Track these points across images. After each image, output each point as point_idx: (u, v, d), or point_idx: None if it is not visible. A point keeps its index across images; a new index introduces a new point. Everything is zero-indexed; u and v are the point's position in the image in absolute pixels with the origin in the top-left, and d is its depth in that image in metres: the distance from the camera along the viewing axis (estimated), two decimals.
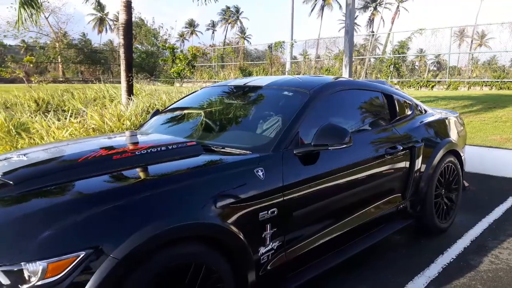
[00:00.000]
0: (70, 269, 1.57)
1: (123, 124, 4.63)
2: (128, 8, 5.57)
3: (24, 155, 2.22)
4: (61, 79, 24.36)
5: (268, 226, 2.22)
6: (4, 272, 1.54)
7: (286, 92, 2.88)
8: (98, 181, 1.96)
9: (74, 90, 7.19)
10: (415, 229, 3.67)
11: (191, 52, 25.36)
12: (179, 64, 24.73)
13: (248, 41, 68.26)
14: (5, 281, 1.54)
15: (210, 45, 35.91)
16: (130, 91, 5.60)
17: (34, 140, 4.36)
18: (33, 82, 12.09)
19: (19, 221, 1.67)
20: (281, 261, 2.35)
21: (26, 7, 7.46)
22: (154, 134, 2.88)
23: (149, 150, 2.30)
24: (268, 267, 2.27)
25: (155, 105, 5.38)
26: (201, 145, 2.48)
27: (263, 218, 2.18)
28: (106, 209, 1.73)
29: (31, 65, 14.82)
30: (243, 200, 2.10)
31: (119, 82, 8.83)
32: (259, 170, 2.22)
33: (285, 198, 2.28)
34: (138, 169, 2.11)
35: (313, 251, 2.56)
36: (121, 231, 1.68)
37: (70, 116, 4.93)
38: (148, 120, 3.53)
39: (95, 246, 1.61)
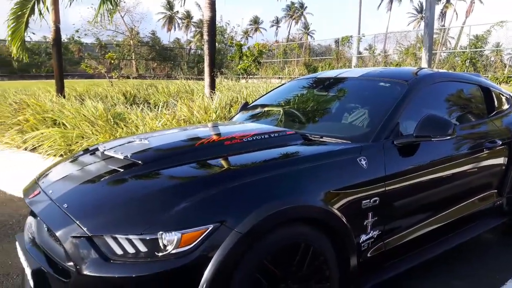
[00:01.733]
0: (200, 240, 1.73)
1: (210, 116, 4.87)
2: (212, 5, 5.83)
3: (145, 139, 2.45)
4: (135, 76, 25.71)
5: (370, 214, 2.26)
6: (143, 240, 1.73)
7: (382, 83, 2.89)
8: (218, 162, 2.13)
9: (158, 85, 7.66)
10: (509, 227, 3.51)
11: (257, 49, 25.68)
12: (245, 61, 25.13)
13: (311, 36, 67.69)
14: (143, 248, 1.73)
15: (275, 41, 36.10)
16: (212, 85, 5.85)
17: (130, 129, 4.72)
18: (113, 77, 12.89)
19: (154, 195, 1.86)
20: (380, 250, 2.39)
21: (105, 1, 8.05)
22: (252, 124, 3.02)
23: (254, 138, 2.44)
24: (368, 255, 2.32)
25: (237, 98, 5.59)
26: (299, 134, 2.58)
27: (365, 206, 2.23)
28: (230, 188, 1.88)
29: (112, 62, 15.83)
30: (348, 187, 2.17)
31: (189, 79, 9.17)
32: (362, 159, 2.27)
33: (386, 188, 2.32)
34: (250, 154, 2.25)
35: (410, 243, 2.57)
36: (243, 208, 1.82)
37: (162, 108, 5.26)
38: (239, 112, 3.70)
39: (221, 220, 1.76)
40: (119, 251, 1.72)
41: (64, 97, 6.76)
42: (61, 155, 4.67)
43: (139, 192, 1.93)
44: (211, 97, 5.54)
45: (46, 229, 2.12)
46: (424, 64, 8.40)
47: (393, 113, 2.55)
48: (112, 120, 4.92)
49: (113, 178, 2.04)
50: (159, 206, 1.80)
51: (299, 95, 3.43)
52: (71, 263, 1.76)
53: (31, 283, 1.95)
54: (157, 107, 5.54)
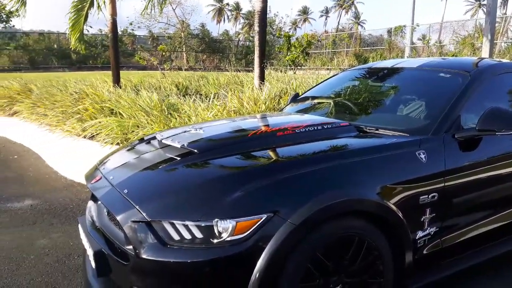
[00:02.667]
0: (253, 229, 1.75)
1: (259, 107, 4.89)
2: None
3: (200, 129, 2.50)
4: (186, 68, 26.28)
5: (428, 210, 2.18)
6: (199, 227, 1.77)
7: (442, 74, 2.76)
8: (271, 153, 2.14)
9: (209, 76, 7.80)
10: None
11: (306, 39, 25.38)
12: (293, 52, 24.92)
13: (362, 26, 65.89)
14: (199, 235, 1.77)
15: (324, 32, 35.52)
16: (262, 76, 5.86)
17: (183, 119, 4.84)
18: (165, 69, 13.24)
19: (210, 184, 1.90)
20: (436, 248, 2.30)
21: None
22: (304, 115, 2.99)
23: (307, 129, 2.42)
24: (424, 252, 2.24)
25: (287, 90, 5.57)
26: (353, 126, 2.53)
27: (423, 202, 2.15)
28: (284, 178, 1.88)
29: (164, 54, 16.25)
30: (406, 182, 2.10)
31: (239, 70, 9.21)
32: (421, 153, 2.19)
33: (446, 183, 2.22)
34: (303, 145, 2.24)
35: (468, 242, 2.45)
36: (298, 199, 1.81)
37: (213, 99, 5.35)
38: (289, 103, 3.68)
39: (275, 211, 1.77)
40: (176, 237, 1.77)
41: (120, 87, 7.05)
42: (118, 144, 4.88)
43: (196, 180, 1.97)
44: (261, 88, 5.56)
45: (106, 213, 2.22)
46: (484, 54, 7.93)
47: (454, 105, 2.43)
48: (166, 111, 5.07)
49: (171, 166, 2.10)
50: (215, 194, 1.84)
51: (352, 86, 3.36)
52: (131, 247, 1.84)
53: (93, 264, 2.06)
54: (208, 98, 5.63)
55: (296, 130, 2.39)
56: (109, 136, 5.05)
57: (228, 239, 1.74)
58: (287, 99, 5.21)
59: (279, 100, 5.09)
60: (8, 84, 9.38)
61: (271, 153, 2.15)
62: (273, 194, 1.83)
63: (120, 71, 7.90)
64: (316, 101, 3.44)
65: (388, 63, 3.36)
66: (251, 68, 8.49)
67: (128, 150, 2.62)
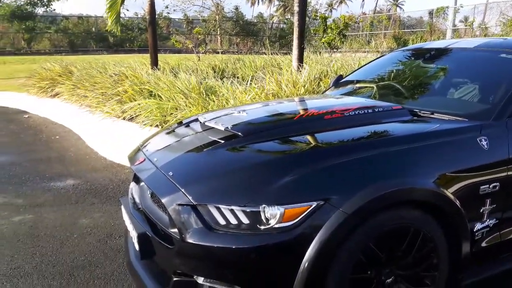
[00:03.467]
0: (303, 217, 1.66)
1: (298, 90, 4.77)
2: None
3: (243, 111, 2.42)
4: (220, 51, 26.23)
5: (488, 201, 2.03)
6: (245, 212, 1.70)
7: (504, 55, 2.55)
8: (320, 137, 2.03)
9: (245, 59, 7.70)
10: None
11: (343, 21, 24.72)
12: (330, 34, 24.36)
13: (400, 8, 63.56)
14: (245, 220, 1.70)
15: (362, 13, 34.50)
16: (301, 58, 5.71)
17: (221, 102, 4.79)
18: (201, 52, 13.22)
19: (257, 168, 1.82)
20: (495, 241, 2.15)
21: None
22: (351, 98, 2.86)
23: (357, 112, 2.29)
24: (482, 245, 2.10)
25: (327, 72, 5.41)
26: (407, 110, 2.37)
27: (483, 192, 2.00)
28: (335, 164, 1.77)
29: (199, 37, 16.24)
30: (465, 170, 1.96)
31: (276, 54, 9.03)
32: (483, 139, 2.03)
33: (509, 173, 2.05)
34: (353, 129, 2.12)
35: None
36: (350, 187, 1.71)
37: (251, 82, 5.26)
38: (332, 86, 3.53)
39: (325, 198, 1.67)
40: (221, 221, 1.72)
41: (158, 69, 7.07)
42: (157, 126, 4.90)
43: (242, 164, 1.90)
44: (299, 71, 5.41)
45: (149, 195, 2.20)
46: None
47: None
48: (204, 93, 5.03)
49: (215, 149, 2.04)
50: (263, 179, 1.76)
51: (401, 67, 3.17)
52: (175, 230, 1.79)
53: (137, 246, 2.04)
54: (245, 81, 5.54)
55: (345, 113, 2.27)
56: (148, 118, 5.07)
57: (276, 226, 1.66)
58: (327, 81, 5.05)
59: (319, 82, 4.93)
60: (50, 66, 9.63)
61: (319, 137, 2.04)
62: (324, 180, 1.74)
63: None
64: (362, 83, 3.28)
65: (441, 44, 3.15)
66: (285, 51, 8.30)
67: (170, 132, 2.58)
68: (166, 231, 1.88)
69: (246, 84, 5.31)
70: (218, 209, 1.72)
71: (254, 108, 2.58)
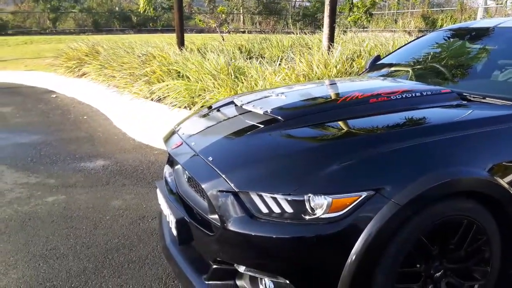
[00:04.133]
0: (351, 207, 1.58)
1: (330, 71, 4.62)
2: None
3: (282, 94, 2.32)
4: (242, 30, 25.94)
5: None
6: (289, 201, 1.62)
7: None
8: (366, 122, 1.93)
9: (272, 39, 7.53)
10: None
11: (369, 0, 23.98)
12: (356, 13, 23.71)
13: None
14: (289, 209, 1.62)
15: None
16: (332, 37, 5.52)
17: (250, 84, 4.69)
18: (224, 31, 13.03)
19: (302, 155, 1.74)
20: None
21: None
22: (394, 80, 2.72)
23: (404, 95, 2.16)
24: None
25: (360, 52, 5.22)
26: (456, 93, 2.23)
27: None
28: (385, 152, 1.67)
29: (223, 16, 15.99)
30: None
31: (304, 32, 8.78)
32: None
33: None
34: (401, 114, 2.00)
35: None
36: (402, 177, 1.61)
37: (280, 62, 5.13)
38: (368, 67, 3.38)
39: (376, 188, 1.58)
40: (264, 209, 1.65)
41: (185, 50, 6.99)
42: (185, 107, 4.85)
43: (286, 150, 1.82)
44: (330, 50, 5.24)
45: (186, 179, 2.15)
46: None
47: None
48: (232, 74, 4.93)
49: (255, 134, 1.96)
50: (308, 167, 1.67)
51: (445, 48, 3.00)
52: (216, 217, 1.74)
53: (174, 232, 2.01)
54: (273, 61, 5.42)
55: (392, 97, 2.14)
56: (177, 99, 5.02)
57: (322, 216, 1.58)
58: (360, 62, 4.87)
59: (351, 63, 4.76)
60: (76, 46, 9.66)
61: (366, 123, 1.93)
62: (374, 169, 1.64)
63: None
64: (403, 66, 3.12)
65: (492, 22, 2.95)
66: (310, 30, 8.04)
67: (205, 115, 2.51)
68: (205, 217, 1.84)
69: (275, 64, 5.18)
70: (261, 197, 1.66)
71: (293, 91, 2.48)
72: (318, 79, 4.57)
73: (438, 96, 2.20)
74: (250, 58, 6.17)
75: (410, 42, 3.53)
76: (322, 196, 1.58)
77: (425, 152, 1.71)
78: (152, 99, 5.50)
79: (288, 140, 1.90)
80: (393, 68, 3.10)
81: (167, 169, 2.49)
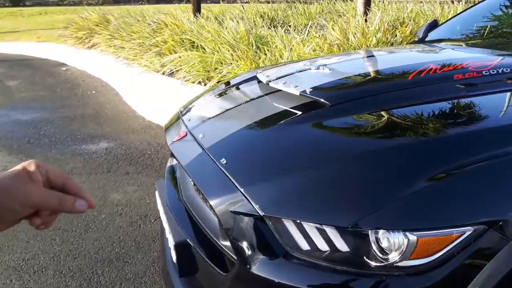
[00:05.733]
0: (448, 251, 0.99)
1: (369, 40, 3.92)
2: None
3: (325, 66, 1.68)
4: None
5: None
6: (345, 236, 1.03)
7: None
8: (459, 109, 1.29)
9: (299, 5, 6.78)
10: None
11: None
12: None
13: None
14: (344, 248, 1.04)
15: None
16: (368, 2, 4.77)
17: (274, 55, 4.04)
18: (244, 1, 12.23)
19: (366, 163, 1.12)
20: None
21: None
22: (477, 50, 2.04)
23: (499, 70, 1.51)
24: None
25: (403, 19, 4.48)
26: None
27: None
28: (501, 163, 1.04)
29: None
30: None
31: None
32: None
33: None
34: (507, 96, 1.36)
35: None
36: None
37: (309, 30, 4.45)
38: (424, 34, 2.69)
39: (489, 222, 0.98)
40: (305, 246, 1.07)
41: (201, 17, 6.33)
42: (200, 83, 4.26)
43: (338, 153, 1.19)
44: (367, 17, 4.52)
45: (192, 183, 1.56)
46: None
47: None
48: (254, 44, 4.29)
49: (290, 125, 1.34)
50: (377, 183, 1.06)
51: None
52: (230, 246, 1.17)
53: (174, 257, 1.44)
54: (300, 30, 4.73)
55: (484, 72, 1.49)
56: (190, 73, 4.42)
57: (401, 264, 0.99)
58: (405, 30, 4.14)
59: (394, 31, 4.05)
60: (87, 15, 9.08)
61: (459, 111, 1.29)
62: (485, 191, 1.02)
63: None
64: (472, 33, 2.43)
65: None
66: None
67: (220, 95, 1.91)
68: (216, 243, 1.27)
69: (303, 33, 4.49)
70: (300, 226, 1.07)
71: (338, 63, 1.83)
72: (355, 49, 3.88)
73: None
74: (274, 27, 5.47)
75: (474, 5, 2.81)
76: (401, 233, 0.98)
77: None
78: (163, 73, 4.91)
79: (341, 137, 1.27)
80: (460, 36, 2.41)
81: (171, 164, 1.92)
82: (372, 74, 1.57)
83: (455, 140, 1.14)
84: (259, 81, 1.79)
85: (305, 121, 1.35)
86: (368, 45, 3.90)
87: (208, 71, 4.36)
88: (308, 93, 1.45)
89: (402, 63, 1.69)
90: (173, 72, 4.81)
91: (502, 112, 1.27)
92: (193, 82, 4.33)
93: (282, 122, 1.37)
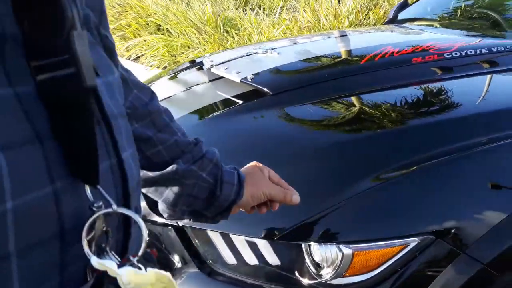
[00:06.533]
0: (390, 265, 0.86)
1: (341, 23, 3.76)
2: None
3: (272, 50, 1.50)
4: None
5: None
6: (276, 248, 0.89)
7: None
8: (413, 98, 1.13)
9: None
10: None
11: None
12: None
13: None
14: (275, 261, 0.90)
15: None
16: None
17: (242, 38, 3.85)
18: None
19: (303, 163, 0.96)
20: None
21: None
22: (441, 31, 1.88)
23: (463, 53, 1.36)
24: None
25: (377, 0, 4.31)
26: None
27: None
28: (451, 161, 0.90)
29: None
30: None
31: None
32: None
33: None
34: (470, 82, 1.22)
35: None
36: (485, 207, 0.86)
37: (280, 12, 4.26)
38: (393, 15, 2.53)
39: (437, 231, 0.84)
40: (230, 260, 0.92)
41: None
42: (165, 67, 4.04)
43: (273, 153, 1.03)
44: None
45: None
46: None
47: None
48: (221, 27, 4.08)
49: (231, 116, 1.17)
50: (312, 187, 0.91)
51: None
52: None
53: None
54: (274, 13, 4.53)
55: (445, 55, 1.34)
56: (155, 58, 4.19)
57: (335, 281, 0.85)
58: (378, 12, 3.98)
59: (367, 13, 3.89)
60: None
61: (411, 100, 1.14)
62: (435, 195, 0.88)
63: None
64: (443, 13, 2.28)
65: None
66: None
67: (170, 79, 1.72)
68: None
69: (274, 15, 4.29)
70: (227, 238, 0.92)
71: (290, 46, 1.65)
72: (334, 30, 3.71)
73: None
74: (246, 10, 5.25)
75: None
76: (334, 246, 0.84)
77: None
78: (128, 58, 4.67)
79: (278, 133, 1.09)
80: (432, 17, 2.26)
81: None
82: (322, 59, 1.40)
83: (400, 136, 0.99)
84: (205, 66, 1.61)
85: (245, 112, 1.19)
86: (340, 27, 3.74)
87: (174, 56, 4.14)
88: (250, 80, 1.28)
89: (358, 46, 1.53)
90: (139, 57, 4.58)
91: (457, 104, 1.12)
92: (158, 67, 4.12)
93: (221, 112, 1.21)
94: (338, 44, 1.62)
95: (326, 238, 0.85)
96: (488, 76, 1.27)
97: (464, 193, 0.89)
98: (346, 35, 1.78)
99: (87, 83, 0.28)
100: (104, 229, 0.32)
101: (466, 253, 0.84)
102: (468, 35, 1.66)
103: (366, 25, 3.81)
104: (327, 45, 1.64)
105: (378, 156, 0.93)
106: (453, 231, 0.84)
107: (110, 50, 0.41)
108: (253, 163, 0.72)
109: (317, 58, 1.39)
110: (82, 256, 0.30)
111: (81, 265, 0.31)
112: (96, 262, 0.30)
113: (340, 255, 0.84)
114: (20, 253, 0.26)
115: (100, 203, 0.31)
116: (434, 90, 1.17)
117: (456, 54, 1.35)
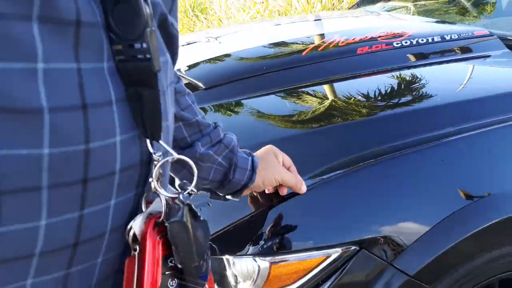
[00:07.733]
0: (312, 277, 0.78)
1: (313, 7, 3.65)
2: None
3: (217, 38, 1.40)
4: None
5: None
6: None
7: None
8: (349, 92, 1.05)
9: None
10: None
11: None
12: None
13: None
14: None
15: None
16: None
17: (211, 23, 3.72)
18: None
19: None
20: None
21: None
22: (400, 16, 1.80)
23: (414, 41, 1.28)
24: None
25: None
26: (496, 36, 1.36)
27: None
28: (383, 162, 0.82)
29: None
30: None
31: None
32: None
33: None
34: (418, 73, 1.14)
35: None
36: (414, 212, 0.80)
37: None
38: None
39: (361, 241, 0.77)
40: None
41: None
42: None
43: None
44: None
45: None
46: None
47: None
48: (190, 11, 3.94)
49: None
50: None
51: None
52: None
53: None
54: None
55: (395, 44, 1.26)
56: None
57: None
58: None
59: None
60: None
61: (350, 93, 1.06)
62: (360, 201, 0.80)
63: None
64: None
65: None
66: None
67: None
68: None
69: None
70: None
71: (235, 34, 1.55)
72: (298, 15, 3.60)
73: (472, 41, 1.32)
74: None
75: None
76: (250, 258, 0.77)
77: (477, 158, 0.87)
78: None
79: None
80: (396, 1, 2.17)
81: None
82: (262, 50, 1.31)
83: (330, 136, 0.91)
84: None
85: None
86: (312, 12, 3.63)
87: None
88: (183, 72, 1.19)
89: (305, 35, 1.43)
90: None
91: (397, 100, 1.05)
92: None
93: None
94: (286, 33, 1.53)
95: (242, 250, 0.78)
96: (434, 67, 1.20)
97: (393, 198, 0.82)
98: (301, 20, 1.69)
99: (156, 68, 0.36)
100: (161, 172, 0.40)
101: (392, 264, 0.77)
102: (428, 21, 1.58)
103: (339, 9, 3.71)
104: (275, 34, 1.54)
105: (303, 159, 0.85)
106: (379, 240, 0.78)
107: (173, 37, 0.46)
108: (268, 146, 0.73)
109: (257, 48, 1.30)
110: (131, 197, 0.38)
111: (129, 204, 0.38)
112: (165, 192, 0.39)
113: (256, 268, 0.77)
114: (94, 179, 0.34)
115: (160, 153, 0.38)
116: (374, 84, 1.09)
117: (406, 42, 1.27)
